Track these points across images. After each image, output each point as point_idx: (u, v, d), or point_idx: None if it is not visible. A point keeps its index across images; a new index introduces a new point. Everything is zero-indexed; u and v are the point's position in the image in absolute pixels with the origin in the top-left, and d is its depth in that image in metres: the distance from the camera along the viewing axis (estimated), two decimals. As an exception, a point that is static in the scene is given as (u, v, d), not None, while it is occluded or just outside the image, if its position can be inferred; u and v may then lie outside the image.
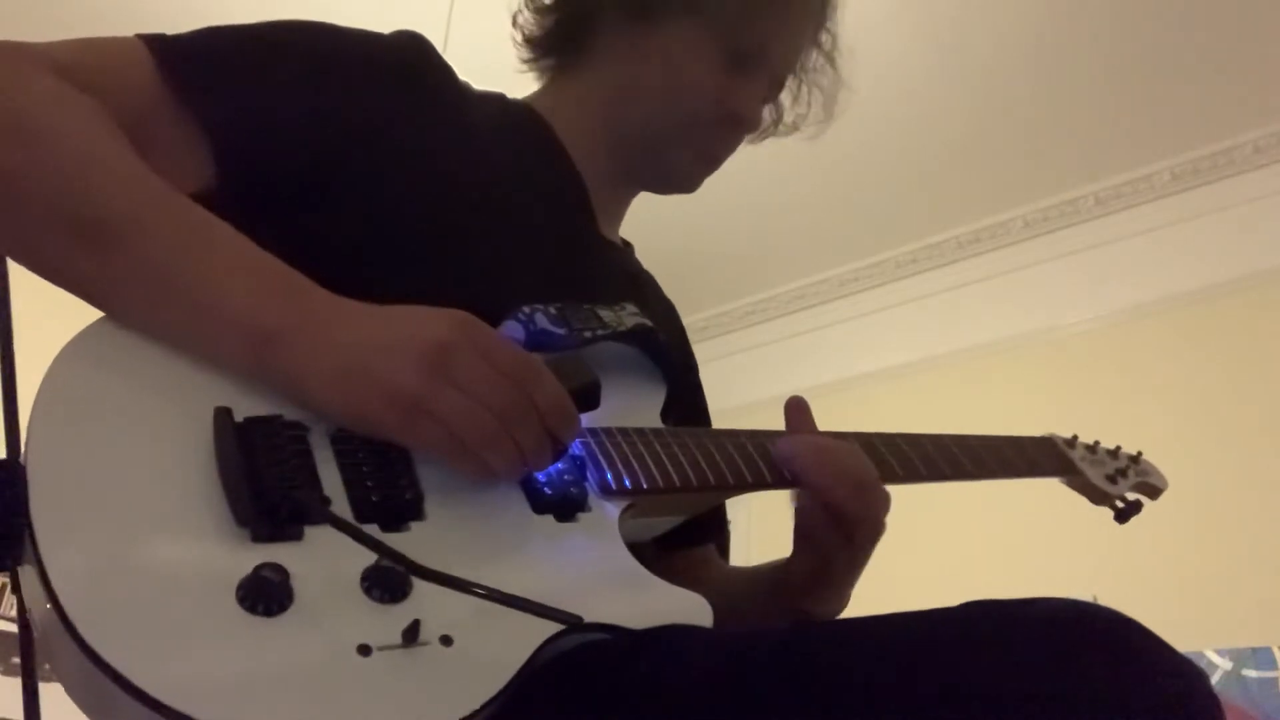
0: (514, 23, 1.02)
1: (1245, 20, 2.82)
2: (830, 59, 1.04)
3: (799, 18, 1.01)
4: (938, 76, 3.09)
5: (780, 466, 0.79)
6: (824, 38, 1.03)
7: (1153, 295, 3.27)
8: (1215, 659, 2.74)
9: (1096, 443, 1.11)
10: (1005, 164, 3.41)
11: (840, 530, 0.77)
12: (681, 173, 1.01)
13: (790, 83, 1.04)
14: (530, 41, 1.02)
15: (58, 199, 0.63)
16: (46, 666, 0.57)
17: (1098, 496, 1.07)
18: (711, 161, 1.01)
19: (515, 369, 0.65)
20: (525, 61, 1.03)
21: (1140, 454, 1.14)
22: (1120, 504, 1.08)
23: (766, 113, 1.05)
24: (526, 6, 1.01)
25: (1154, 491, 1.12)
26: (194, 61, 0.76)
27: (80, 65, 0.70)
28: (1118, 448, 1.13)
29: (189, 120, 0.74)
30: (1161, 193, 3.36)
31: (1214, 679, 2.70)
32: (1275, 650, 2.68)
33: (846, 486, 0.77)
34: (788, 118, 1.06)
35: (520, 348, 0.67)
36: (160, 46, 0.75)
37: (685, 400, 0.97)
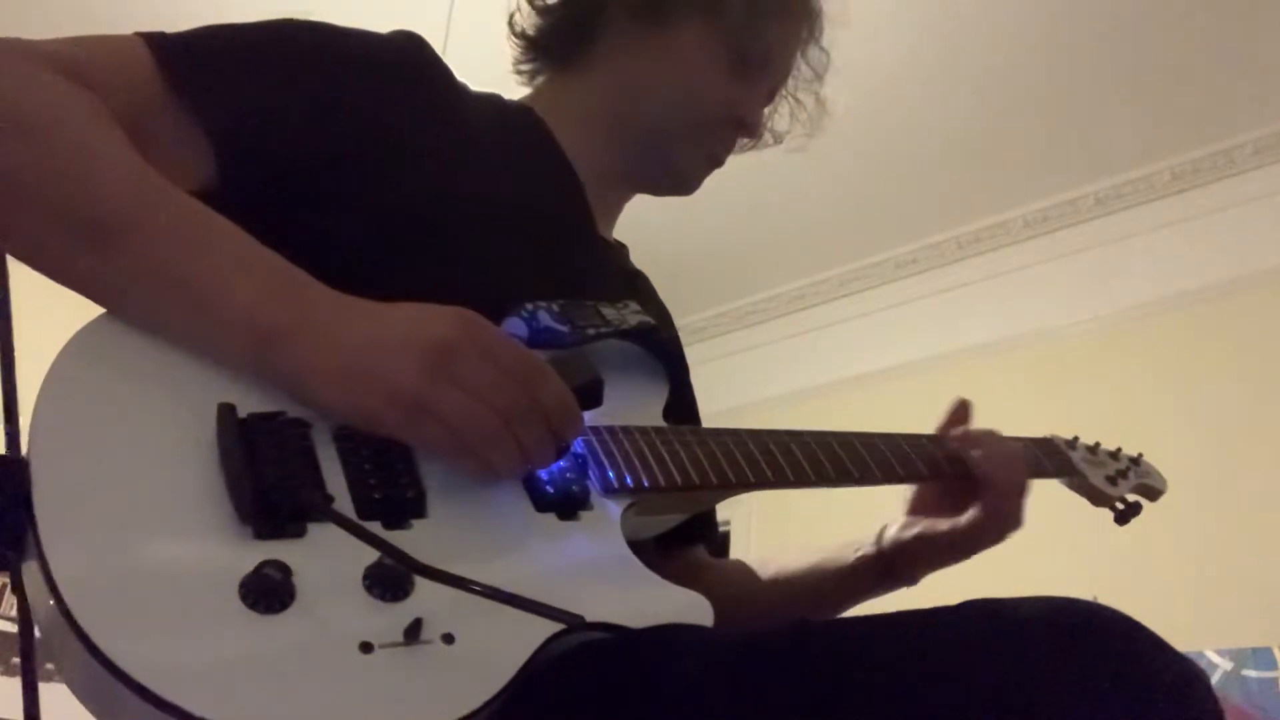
0: (510, 22, 1.02)
1: (1245, 20, 2.82)
2: (819, 76, 1.05)
3: (800, 25, 1.01)
4: (938, 76, 3.09)
5: (956, 453, 0.93)
6: (814, 52, 1.04)
7: (1153, 295, 3.27)
8: (1215, 659, 2.73)
9: (1097, 444, 1.11)
10: (1005, 164, 3.41)
11: (1009, 500, 0.92)
12: (684, 173, 1.01)
13: (779, 96, 1.04)
14: (529, 41, 1.02)
15: (58, 197, 0.63)
16: (48, 666, 0.57)
17: (1098, 498, 1.07)
18: (713, 162, 1.02)
19: (518, 367, 0.65)
20: (520, 63, 1.03)
21: (1141, 455, 1.14)
22: (1120, 506, 1.08)
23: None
24: (526, 5, 1.01)
25: (1153, 493, 1.12)
26: (193, 60, 0.75)
27: (79, 62, 0.70)
28: (1118, 449, 1.13)
29: (188, 119, 0.74)
30: (1161, 193, 3.36)
31: (1214, 679, 2.69)
32: (1275, 650, 2.68)
33: (1018, 469, 0.93)
34: (771, 132, 1.07)
35: (523, 345, 0.67)
36: (159, 44, 0.75)
37: (683, 400, 0.98)
